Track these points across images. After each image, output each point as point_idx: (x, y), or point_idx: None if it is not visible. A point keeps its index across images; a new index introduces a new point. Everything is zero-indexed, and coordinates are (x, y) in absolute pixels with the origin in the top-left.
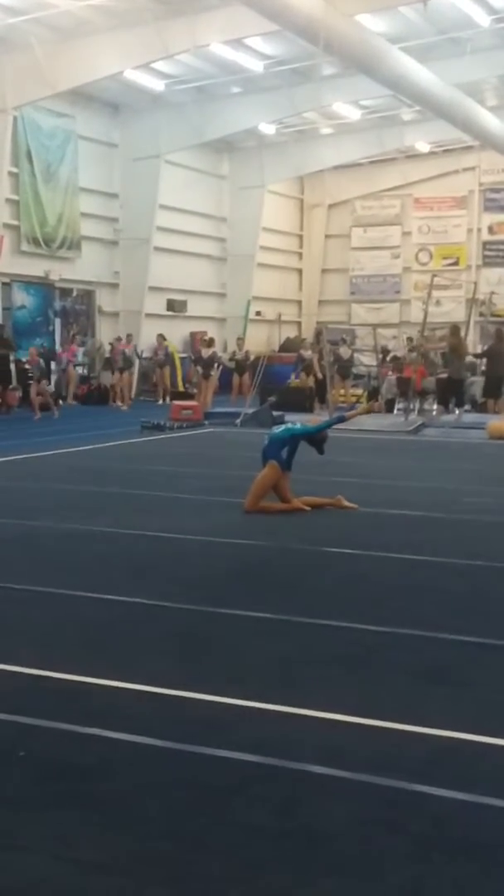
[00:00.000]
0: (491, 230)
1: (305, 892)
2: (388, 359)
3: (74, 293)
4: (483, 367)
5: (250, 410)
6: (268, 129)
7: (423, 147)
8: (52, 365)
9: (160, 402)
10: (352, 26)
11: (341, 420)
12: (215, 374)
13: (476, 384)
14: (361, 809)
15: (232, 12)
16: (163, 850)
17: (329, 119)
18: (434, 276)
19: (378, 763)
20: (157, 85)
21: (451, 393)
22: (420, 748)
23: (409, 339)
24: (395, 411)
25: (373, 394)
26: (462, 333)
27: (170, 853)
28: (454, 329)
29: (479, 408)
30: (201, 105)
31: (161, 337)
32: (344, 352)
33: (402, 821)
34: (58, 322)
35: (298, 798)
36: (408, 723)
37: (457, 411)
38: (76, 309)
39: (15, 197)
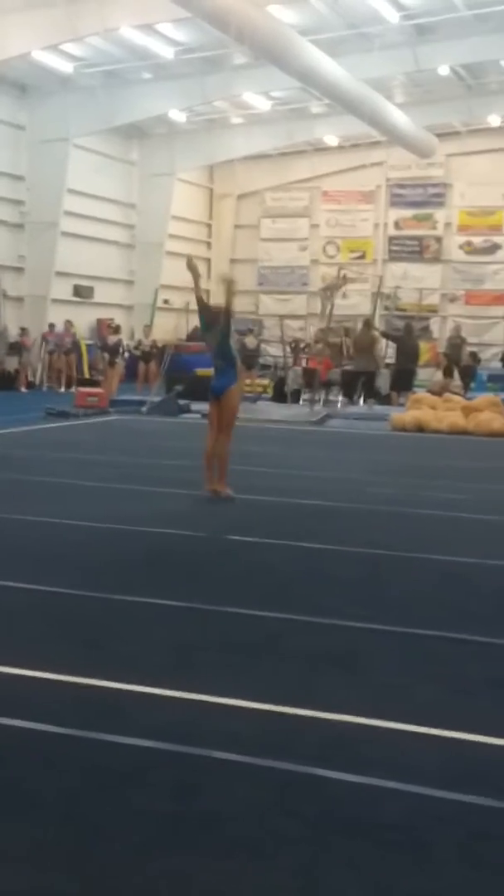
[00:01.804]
0: (397, 225)
1: (202, 875)
2: (305, 349)
3: None
4: (391, 361)
5: (156, 399)
6: (178, 116)
7: (331, 140)
8: None
9: (63, 389)
10: (263, 16)
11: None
12: (121, 361)
13: (382, 376)
14: (258, 793)
15: None
16: (61, 836)
17: (239, 109)
18: (341, 268)
19: (275, 747)
20: (66, 67)
21: (364, 385)
22: (316, 732)
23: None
24: (301, 402)
25: (279, 384)
26: (371, 326)
27: (68, 839)
28: (367, 322)
29: (384, 400)
30: (111, 90)
31: (69, 323)
32: (250, 342)
33: (297, 803)
34: None
35: (196, 783)
36: (305, 708)
37: (361, 402)
38: None
39: None
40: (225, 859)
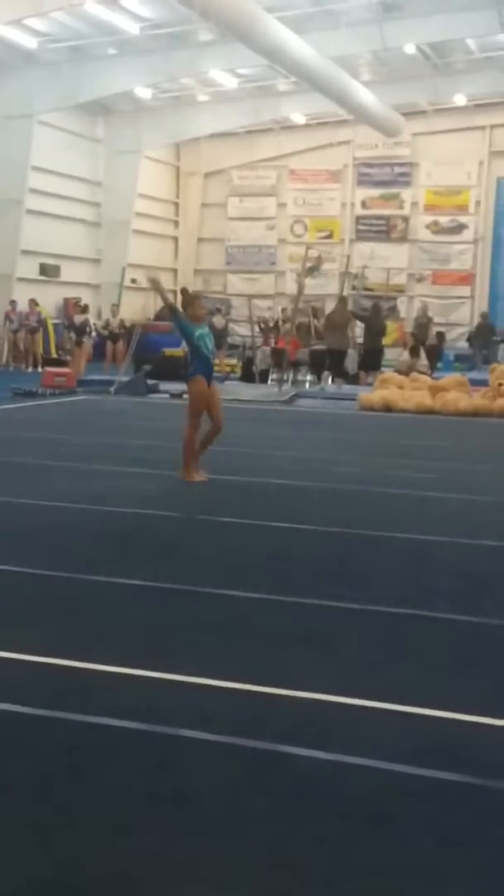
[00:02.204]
0: (364, 205)
1: (173, 853)
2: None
3: None
4: (359, 341)
5: (124, 379)
6: (144, 93)
7: (298, 119)
8: None
9: (30, 369)
10: None
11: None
12: (89, 341)
13: (350, 356)
14: (229, 771)
15: None
16: (33, 816)
17: (206, 86)
18: (308, 247)
19: (246, 726)
20: (30, 42)
21: (333, 364)
22: (287, 710)
23: (284, 311)
24: (270, 382)
25: (248, 364)
26: (346, 304)
27: (41, 820)
28: (343, 300)
29: (352, 379)
30: (76, 65)
31: (33, 302)
32: (218, 321)
33: (267, 781)
34: None
35: (167, 762)
36: (276, 686)
37: (329, 382)
38: None
39: None
40: (198, 837)
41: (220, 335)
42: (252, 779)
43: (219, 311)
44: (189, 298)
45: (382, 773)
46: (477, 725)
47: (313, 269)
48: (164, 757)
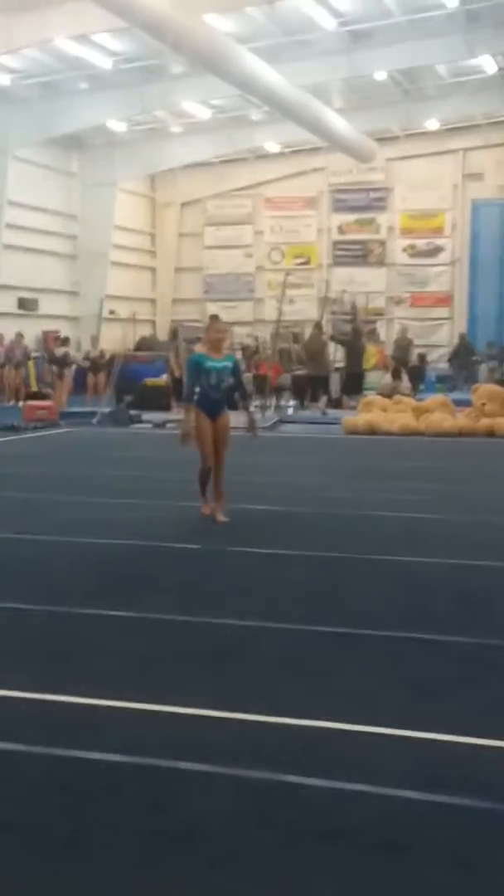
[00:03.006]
0: (340, 230)
1: (179, 890)
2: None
3: None
4: (340, 365)
5: (107, 410)
6: (117, 126)
7: (272, 147)
8: None
9: (11, 402)
10: (199, 25)
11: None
12: (69, 373)
13: (332, 380)
14: (232, 803)
15: (79, 8)
16: (33, 856)
17: (179, 118)
18: (287, 273)
19: (247, 756)
20: (3, 79)
21: (316, 389)
22: (285, 739)
23: (255, 338)
24: (252, 408)
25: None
26: (322, 330)
27: (40, 860)
28: (318, 326)
29: (335, 403)
30: (48, 101)
31: (20, 336)
32: (199, 350)
33: (272, 812)
34: None
35: (169, 796)
36: (272, 714)
37: (316, 405)
38: None
39: None
40: (202, 873)
41: None
42: (257, 811)
43: (199, 339)
44: (207, 327)
45: (389, 800)
46: (480, 748)
47: (282, 292)
48: (163, 791)
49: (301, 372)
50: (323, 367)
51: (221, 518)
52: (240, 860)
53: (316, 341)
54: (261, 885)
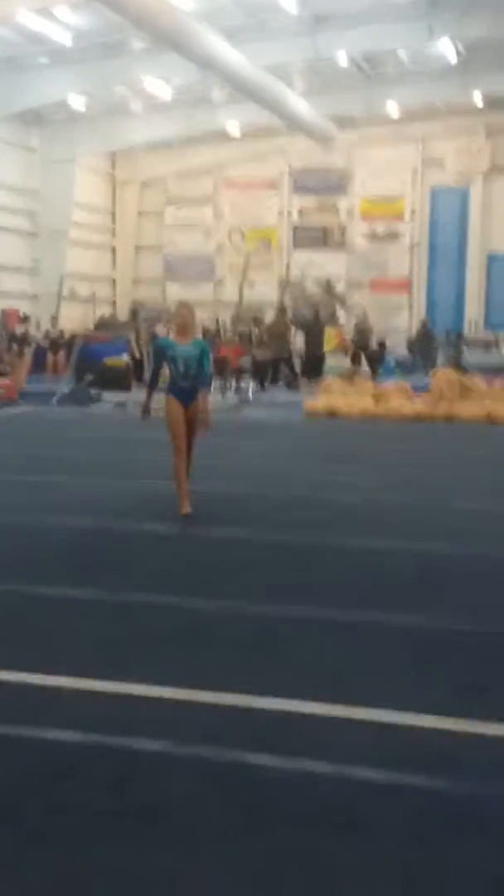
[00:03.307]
0: (301, 213)
1: (141, 870)
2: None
3: None
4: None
5: (66, 389)
6: (77, 102)
7: (233, 128)
8: None
9: None
10: (161, 2)
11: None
12: (29, 352)
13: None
14: (195, 783)
15: None
16: None
17: (140, 96)
18: (248, 256)
19: (209, 736)
20: None
21: (278, 370)
22: (249, 720)
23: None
24: (212, 389)
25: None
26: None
27: (3, 842)
28: (282, 309)
29: (294, 385)
30: (8, 75)
31: None
32: (160, 330)
33: (234, 793)
34: None
35: (132, 776)
36: (237, 695)
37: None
38: None
39: None
40: (164, 852)
41: None
42: (220, 791)
43: (161, 319)
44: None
45: (350, 780)
46: (440, 729)
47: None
48: (127, 772)
49: (262, 354)
50: (285, 348)
51: (185, 510)
52: (202, 841)
53: (279, 323)
54: (223, 866)
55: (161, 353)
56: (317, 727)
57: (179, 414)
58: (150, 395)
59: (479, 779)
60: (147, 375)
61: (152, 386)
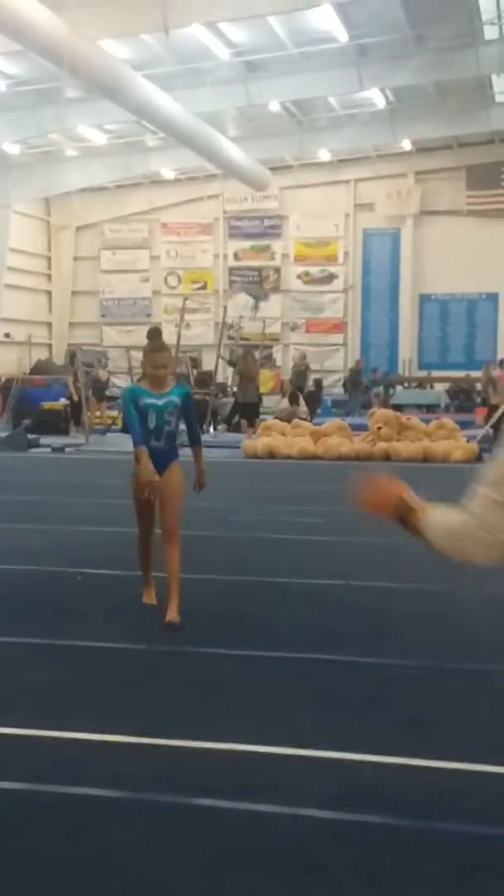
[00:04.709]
0: (236, 256)
1: None
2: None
3: None
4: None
5: (3, 434)
6: (12, 148)
7: (168, 174)
8: None
9: None
10: (95, 50)
11: None
12: None
13: (228, 405)
14: (151, 829)
15: None
16: None
17: (75, 142)
18: (186, 299)
19: (163, 781)
20: None
21: (244, 416)
22: (203, 763)
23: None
24: None
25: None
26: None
27: None
28: (250, 351)
29: (234, 428)
30: None
31: None
32: (102, 374)
33: (191, 836)
34: None
35: (87, 823)
36: (189, 739)
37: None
38: None
39: None
40: None
41: (101, 387)
42: (174, 835)
43: (100, 362)
44: (145, 350)
45: (304, 820)
46: (389, 766)
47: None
48: (80, 819)
49: (198, 396)
50: (255, 392)
51: (172, 616)
52: (159, 885)
53: (251, 367)
54: None
55: (131, 404)
56: (268, 768)
57: (145, 474)
58: (144, 458)
59: (426, 814)
60: (86, 417)
61: (138, 442)
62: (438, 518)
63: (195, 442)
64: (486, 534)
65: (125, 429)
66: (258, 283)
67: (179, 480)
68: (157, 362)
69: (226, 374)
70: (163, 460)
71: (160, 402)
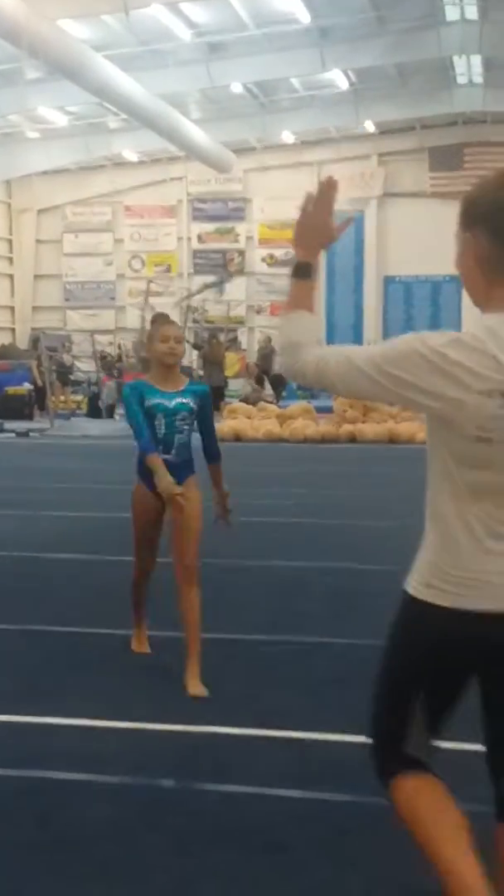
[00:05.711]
0: (200, 239)
1: None
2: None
3: None
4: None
5: None
6: None
7: (131, 156)
8: None
9: None
10: (55, 31)
11: None
12: None
13: None
14: (121, 812)
15: None
16: None
17: (35, 123)
18: (150, 282)
19: (133, 764)
20: None
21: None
22: (172, 745)
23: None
24: (116, 417)
25: (94, 400)
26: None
27: None
28: (215, 335)
29: None
30: None
31: None
32: (67, 359)
33: (158, 818)
34: None
35: (56, 807)
36: (158, 722)
37: None
38: None
39: None
40: (94, 883)
41: (65, 372)
42: (144, 818)
43: (64, 347)
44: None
45: (272, 800)
46: (355, 744)
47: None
48: (50, 804)
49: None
50: (221, 376)
51: (196, 689)
52: (129, 867)
53: (218, 350)
54: (151, 891)
55: (135, 404)
56: (240, 750)
57: (150, 510)
58: (161, 467)
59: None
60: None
61: (148, 449)
62: (303, 325)
63: (213, 457)
64: (316, 381)
65: (91, 413)
66: (222, 266)
67: (198, 500)
68: (169, 332)
69: (191, 358)
70: (175, 477)
71: (171, 404)
